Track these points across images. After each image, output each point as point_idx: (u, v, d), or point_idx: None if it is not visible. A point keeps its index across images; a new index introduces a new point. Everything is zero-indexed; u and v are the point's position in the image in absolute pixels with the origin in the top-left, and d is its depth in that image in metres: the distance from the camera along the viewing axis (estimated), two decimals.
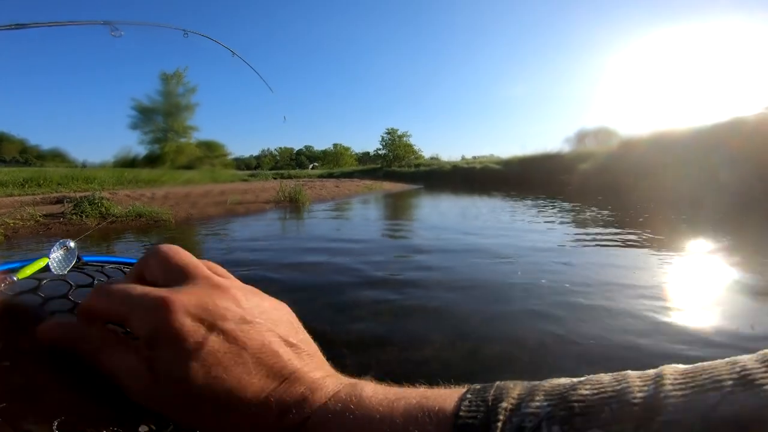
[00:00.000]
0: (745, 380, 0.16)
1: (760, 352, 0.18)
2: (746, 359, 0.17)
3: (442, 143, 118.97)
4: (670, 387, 0.17)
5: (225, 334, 0.23)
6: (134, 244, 5.06)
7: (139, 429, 0.27)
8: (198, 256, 0.27)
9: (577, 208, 9.00)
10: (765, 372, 0.16)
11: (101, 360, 0.23)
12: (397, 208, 10.71)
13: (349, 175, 35.43)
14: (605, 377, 0.19)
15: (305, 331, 0.27)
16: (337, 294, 2.95)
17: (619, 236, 5.18)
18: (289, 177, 26.77)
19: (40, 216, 5.90)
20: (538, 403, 0.19)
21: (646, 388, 0.18)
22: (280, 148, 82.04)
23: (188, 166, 26.59)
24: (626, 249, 4.43)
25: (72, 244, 0.34)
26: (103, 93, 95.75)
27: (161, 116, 29.55)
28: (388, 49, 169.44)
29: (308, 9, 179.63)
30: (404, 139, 47.09)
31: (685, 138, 13.46)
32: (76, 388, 0.23)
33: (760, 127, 11.03)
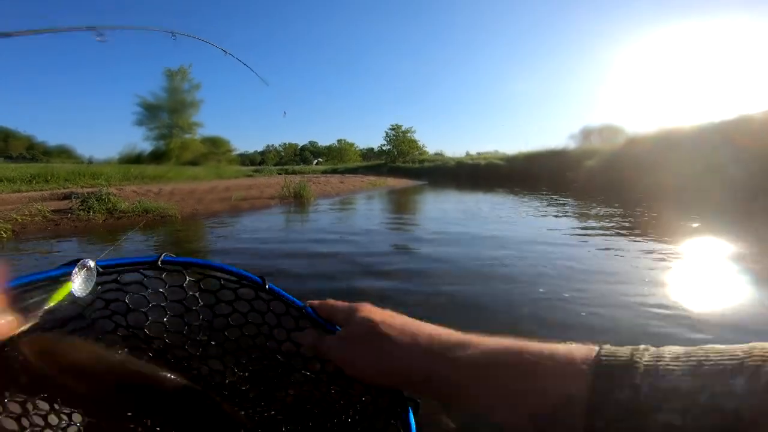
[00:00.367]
0: None
1: None
2: None
3: (447, 139, 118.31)
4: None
5: (392, 326, 0.38)
6: (141, 244, 5.10)
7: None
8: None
9: (583, 204, 8.96)
10: None
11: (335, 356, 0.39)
12: (401, 205, 10.72)
13: (354, 170, 35.41)
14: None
15: None
16: (345, 282, 2.99)
17: (627, 231, 5.16)
18: (294, 173, 26.79)
19: (48, 212, 5.95)
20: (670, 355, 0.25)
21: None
22: (285, 143, 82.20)
23: (193, 162, 26.72)
24: (630, 242, 4.41)
25: (91, 264, 0.34)
26: (108, 90, 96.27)
27: (166, 113, 29.70)
28: (393, 44, 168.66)
29: (311, 7, 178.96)
30: (409, 134, 46.85)
31: (691, 135, 13.33)
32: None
33: (766, 124, 10.91)
